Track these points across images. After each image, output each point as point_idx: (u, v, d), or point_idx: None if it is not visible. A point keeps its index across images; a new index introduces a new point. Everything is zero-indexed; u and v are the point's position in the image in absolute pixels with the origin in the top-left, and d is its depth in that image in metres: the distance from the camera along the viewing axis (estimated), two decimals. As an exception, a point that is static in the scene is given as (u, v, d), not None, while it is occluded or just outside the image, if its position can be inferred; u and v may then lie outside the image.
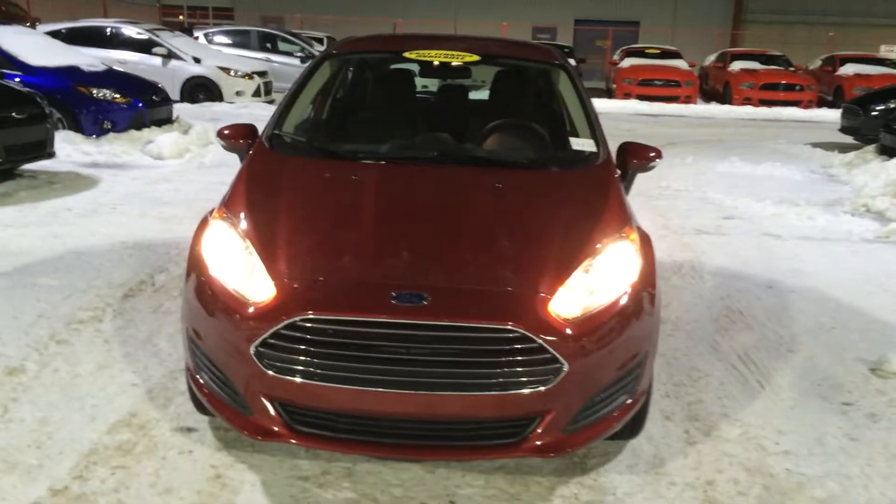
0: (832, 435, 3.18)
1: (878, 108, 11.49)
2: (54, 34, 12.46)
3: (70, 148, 8.67)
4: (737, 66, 20.13)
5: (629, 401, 2.70)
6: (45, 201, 6.67)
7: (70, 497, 2.58)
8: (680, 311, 4.53)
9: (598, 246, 2.76)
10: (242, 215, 2.88)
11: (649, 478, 2.83)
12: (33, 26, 14.64)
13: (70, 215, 6.25)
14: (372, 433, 2.54)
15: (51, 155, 7.66)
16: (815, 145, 12.10)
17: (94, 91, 9.51)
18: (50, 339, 3.78)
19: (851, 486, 2.83)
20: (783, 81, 19.01)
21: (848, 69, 19.71)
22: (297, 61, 17.31)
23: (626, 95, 18.78)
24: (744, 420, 3.27)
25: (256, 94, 15.08)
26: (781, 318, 4.50)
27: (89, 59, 10.54)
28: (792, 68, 20.40)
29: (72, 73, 9.63)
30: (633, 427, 2.91)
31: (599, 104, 16.98)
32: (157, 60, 14.02)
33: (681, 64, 20.03)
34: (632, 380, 2.68)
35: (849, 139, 11.83)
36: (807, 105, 18.49)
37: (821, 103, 18.98)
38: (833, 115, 14.15)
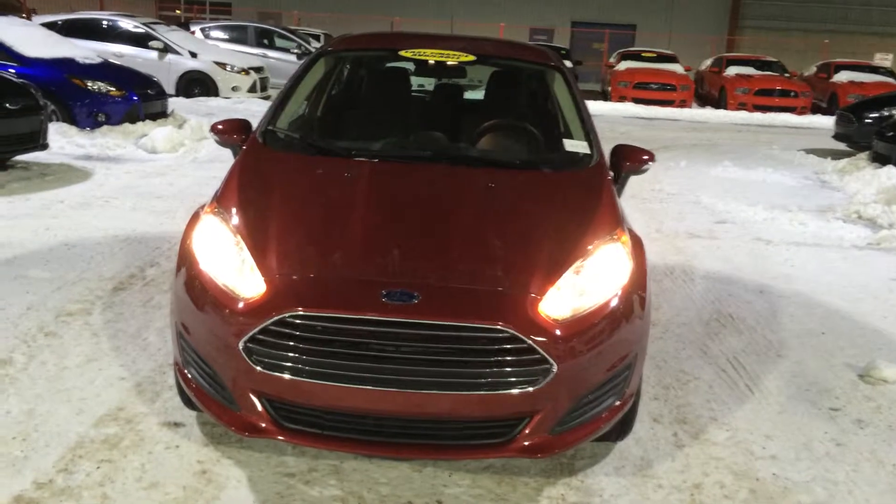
0: (819, 440, 3.19)
1: (871, 115, 11.54)
2: (50, 26, 12.42)
3: (63, 140, 8.64)
4: (732, 71, 20.19)
5: (617, 403, 2.71)
6: (37, 193, 6.64)
7: (54, 490, 2.56)
8: (670, 315, 4.54)
9: (590, 248, 2.76)
10: (234, 211, 2.88)
11: (636, 480, 2.83)
12: (29, 17, 14.58)
13: (62, 207, 6.22)
14: (359, 431, 2.53)
15: (44, 146, 7.63)
16: (809, 151, 12.14)
17: (89, 83, 9.48)
18: (38, 331, 3.77)
19: (837, 491, 2.84)
20: (778, 87, 19.08)
21: (842, 76, 19.79)
22: (293, 58, 17.30)
23: (622, 98, 18.82)
24: (732, 424, 3.28)
25: (252, 89, 15.05)
26: (771, 322, 4.52)
27: (85, 51, 10.51)
28: (787, 74, 20.47)
29: (67, 64, 9.59)
30: (622, 429, 2.91)
31: (595, 106, 16.97)
32: (154, 54, 13.98)
33: (677, 68, 20.08)
34: (620, 382, 2.68)
35: (842, 146, 11.87)
36: (801, 111, 18.56)
37: (815, 110, 19.05)
38: (827, 121, 14.20)
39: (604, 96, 20.64)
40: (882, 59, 23.87)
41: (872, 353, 4.08)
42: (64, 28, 13.14)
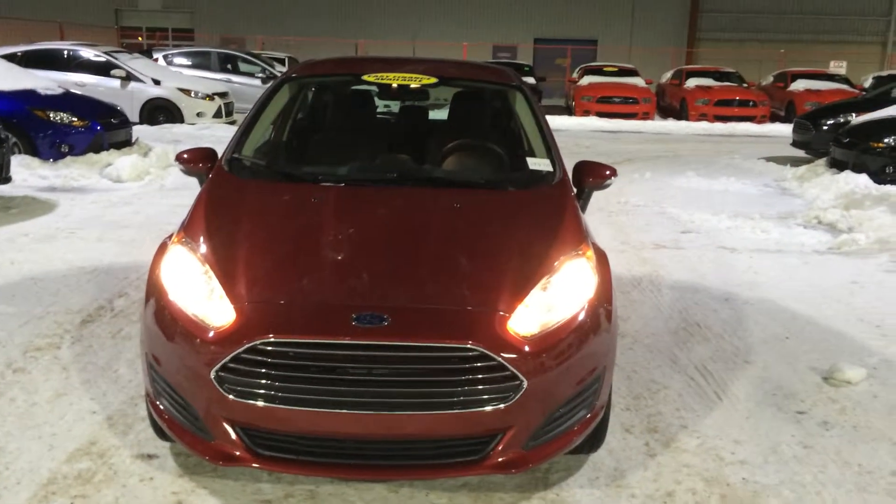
0: (786, 444, 3.26)
1: (828, 122, 11.81)
2: (9, 57, 12.29)
3: (26, 172, 8.55)
4: (692, 83, 20.58)
5: (588, 415, 2.75)
6: (0, 227, 6.56)
7: (28, 528, 2.54)
8: (639, 325, 4.61)
9: (556, 264, 2.81)
10: (202, 239, 2.89)
11: (610, 491, 2.87)
12: (-13, 49, 14.41)
13: (27, 241, 6.15)
14: (335, 455, 2.55)
15: (7, 180, 7.52)
16: (769, 159, 12.40)
17: (51, 114, 9.40)
18: (6, 367, 3.73)
19: (805, 493, 2.90)
20: (737, 98, 19.47)
21: (799, 85, 20.24)
22: (258, 82, 17.29)
23: (586, 112, 19.07)
24: (701, 431, 3.34)
25: (217, 115, 15.01)
26: (737, 329, 4.61)
27: (46, 82, 10.41)
28: (745, 84, 20.91)
29: (28, 96, 9.50)
30: (594, 441, 2.95)
31: (560, 121, 17.26)
32: (116, 83, 13.90)
33: (638, 81, 20.42)
34: (591, 394, 2.73)
35: (801, 153, 12.14)
36: (760, 120, 18.95)
37: (773, 118, 19.45)
38: (785, 129, 14.50)
39: (568, 111, 20.89)
40: (837, 67, 24.47)
41: (836, 355, 4.17)
42: (24, 59, 13.02)
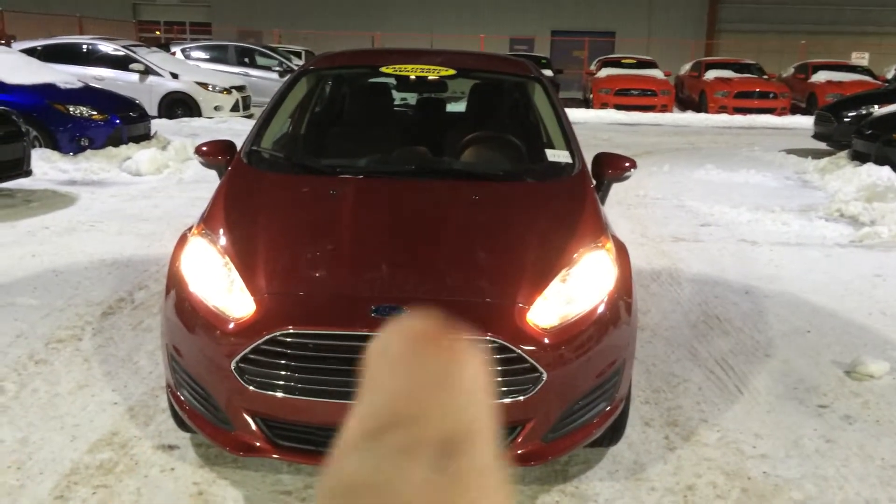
0: (808, 437, 3.23)
1: (850, 114, 11.66)
2: (30, 52, 12.40)
3: (47, 166, 8.62)
4: (711, 74, 20.37)
5: (608, 408, 2.74)
6: (22, 220, 6.62)
7: (51, 517, 2.57)
8: (658, 318, 4.58)
9: (575, 256, 2.79)
10: (221, 231, 2.90)
11: (630, 484, 2.86)
12: (8, 44, 14.54)
13: (48, 234, 6.21)
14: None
15: (28, 173, 7.60)
16: (790, 152, 12.27)
17: (71, 108, 9.47)
18: (29, 358, 3.76)
19: (827, 486, 2.88)
20: (757, 89, 19.26)
21: (820, 76, 20.00)
22: (275, 75, 17.33)
23: (604, 105, 18.94)
24: (722, 425, 3.32)
25: (235, 108, 15.05)
26: (758, 323, 4.57)
27: (65, 76, 10.49)
28: (765, 76, 20.67)
29: (48, 90, 9.58)
30: (613, 434, 2.94)
31: (577, 114, 17.16)
32: (135, 76, 13.97)
33: (656, 73, 20.25)
34: (610, 387, 2.71)
35: (822, 145, 12.00)
36: (780, 112, 18.74)
37: (794, 110, 19.23)
38: (806, 121, 14.35)
39: (586, 104, 20.76)
40: (859, 58, 24.17)
41: (858, 349, 4.13)
42: (44, 53, 13.11)
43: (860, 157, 9.66)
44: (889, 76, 19.89)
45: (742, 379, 3.78)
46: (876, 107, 11.26)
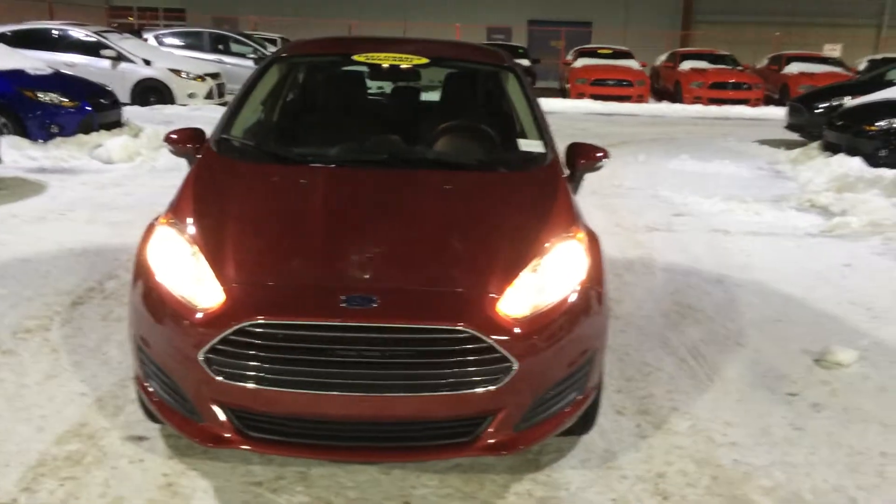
0: (777, 425, 3.27)
1: (821, 105, 11.78)
2: (-2, 37, 12.17)
3: (16, 153, 8.47)
4: (686, 65, 20.49)
5: (580, 397, 2.74)
6: (-11, 208, 6.51)
7: (16, 510, 2.53)
8: (631, 307, 4.61)
9: (547, 245, 2.79)
10: (189, 220, 2.86)
11: (601, 472, 2.88)
12: (-24, 29, 14.25)
13: (17, 222, 6.11)
14: (325, 437, 2.54)
15: (-4, 161, 7.48)
16: (763, 142, 12.39)
17: (41, 95, 9.30)
18: (-5, 349, 3.70)
19: (796, 473, 2.91)
20: (731, 80, 19.40)
21: (793, 68, 20.20)
22: (249, 62, 17.12)
23: (580, 95, 18.99)
24: (693, 413, 3.34)
25: (209, 96, 14.89)
26: (730, 312, 4.61)
27: (35, 62, 10.30)
28: (740, 67, 20.83)
29: (17, 76, 9.40)
30: (585, 422, 2.95)
31: (554, 104, 17.18)
32: (106, 63, 13.76)
33: (633, 64, 20.33)
34: (582, 376, 2.72)
35: (794, 136, 12.12)
36: (754, 103, 18.90)
37: (768, 101, 19.41)
38: (780, 112, 14.48)
39: (563, 93, 20.80)
40: (831, 50, 24.38)
41: (828, 337, 4.18)
42: (13, 39, 12.87)
43: (831, 148, 9.78)
44: (860, 68, 20.14)
45: (713, 367, 3.81)
46: (847, 98, 11.38)
